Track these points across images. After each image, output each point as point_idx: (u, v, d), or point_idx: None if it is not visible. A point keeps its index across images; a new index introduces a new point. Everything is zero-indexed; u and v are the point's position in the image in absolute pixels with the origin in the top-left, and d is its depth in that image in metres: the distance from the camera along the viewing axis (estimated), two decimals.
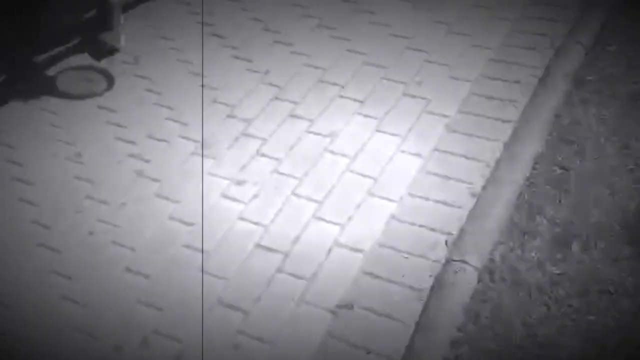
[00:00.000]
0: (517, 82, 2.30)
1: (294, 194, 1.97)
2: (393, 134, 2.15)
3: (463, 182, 1.96)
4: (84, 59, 2.55)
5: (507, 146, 2.06)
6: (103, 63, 2.53)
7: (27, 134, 2.26)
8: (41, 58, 2.54)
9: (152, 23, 2.74)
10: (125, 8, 2.76)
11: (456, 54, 2.44)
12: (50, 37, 2.61)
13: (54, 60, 2.54)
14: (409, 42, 2.53)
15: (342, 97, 2.31)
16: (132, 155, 2.16)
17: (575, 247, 1.74)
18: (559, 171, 1.99)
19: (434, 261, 1.72)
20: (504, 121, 2.16)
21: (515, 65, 2.37)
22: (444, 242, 1.77)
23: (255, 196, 1.98)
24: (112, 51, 2.56)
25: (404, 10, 2.71)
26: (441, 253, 1.74)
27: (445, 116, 2.19)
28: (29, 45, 2.54)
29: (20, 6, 2.59)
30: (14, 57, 2.50)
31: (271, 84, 2.38)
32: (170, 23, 2.74)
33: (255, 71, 2.45)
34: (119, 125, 2.28)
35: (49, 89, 2.45)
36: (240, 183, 2.03)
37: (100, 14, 2.61)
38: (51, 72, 2.51)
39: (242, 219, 1.92)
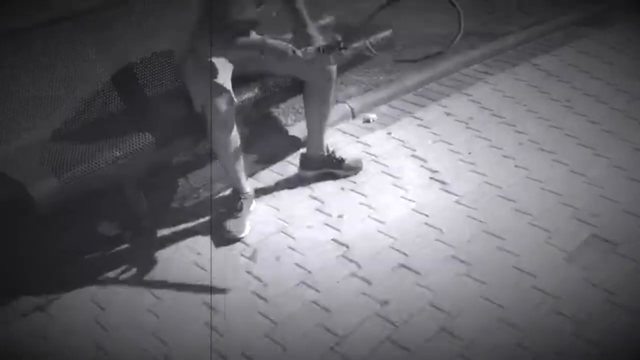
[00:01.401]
0: None
1: None
2: None
3: None
4: (200, 242, 2.50)
5: None
6: (220, 252, 2.45)
7: (125, 317, 2.16)
8: (162, 233, 2.54)
9: (281, 215, 2.65)
10: (258, 193, 2.74)
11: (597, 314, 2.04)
12: (179, 213, 2.63)
13: (170, 240, 2.51)
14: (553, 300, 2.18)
15: None
16: None
17: None
18: None
19: None
20: None
21: None
22: None
23: None
24: (233, 241, 2.49)
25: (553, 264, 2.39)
26: None
27: None
28: (151, 218, 2.56)
29: (158, 182, 2.67)
30: (138, 228, 2.52)
31: None
32: (294, 218, 2.63)
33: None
34: (217, 332, 2.11)
35: (159, 268, 2.38)
36: None
37: (232, 200, 2.60)
38: (164, 253, 2.46)
39: None
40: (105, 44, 2.42)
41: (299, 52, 2.36)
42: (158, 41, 2.60)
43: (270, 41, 2.37)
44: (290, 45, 2.36)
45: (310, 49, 2.36)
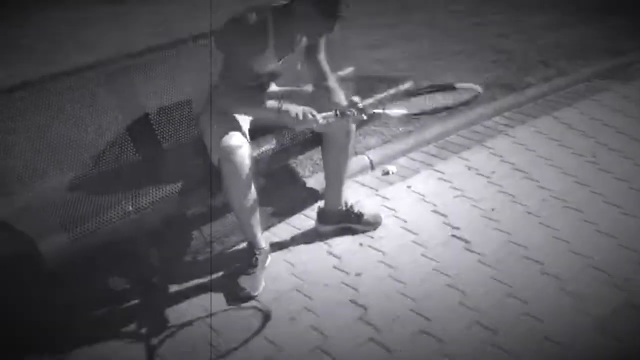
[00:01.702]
0: None
1: None
2: None
3: None
4: (213, 300, 2.39)
5: None
6: (233, 311, 2.35)
7: None
8: (173, 289, 2.45)
9: (296, 271, 2.55)
10: (274, 247, 2.65)
11: None
12: (192, 268, 2.55)
13: (182, 297, 2.40)
14: None
15: None
16: None
17: None
18: None
19: None
20: None
21: None
22: None
23: None
24: (247, 299, 2.39)
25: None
26: None
27: None
28: (163, 273, 2.47)
29: (171, 234, 2.59)
30: (148, 284, 2.43)
31: None
32: (310, 275, 2.53)
33: None
34: None
35: (169, 327, 2.27)
36: None
37: (246, 254, 2.51)
38: (175, 311, 2.36)
39: None
40: (120, 95, 2.39)
41: (318, 117, 2.31)
42: (175, 93, 2.58)
43: (288, 106, 2.33)
44: (308, 109, 2.32)
45: (329, 114, 2.33)
